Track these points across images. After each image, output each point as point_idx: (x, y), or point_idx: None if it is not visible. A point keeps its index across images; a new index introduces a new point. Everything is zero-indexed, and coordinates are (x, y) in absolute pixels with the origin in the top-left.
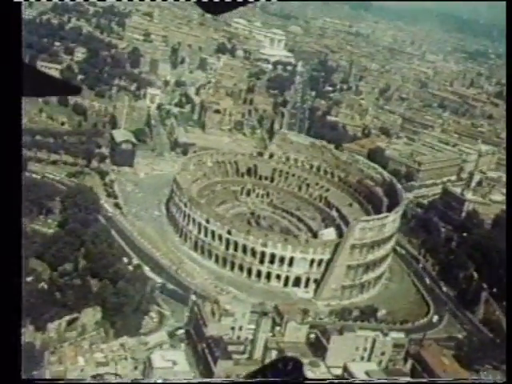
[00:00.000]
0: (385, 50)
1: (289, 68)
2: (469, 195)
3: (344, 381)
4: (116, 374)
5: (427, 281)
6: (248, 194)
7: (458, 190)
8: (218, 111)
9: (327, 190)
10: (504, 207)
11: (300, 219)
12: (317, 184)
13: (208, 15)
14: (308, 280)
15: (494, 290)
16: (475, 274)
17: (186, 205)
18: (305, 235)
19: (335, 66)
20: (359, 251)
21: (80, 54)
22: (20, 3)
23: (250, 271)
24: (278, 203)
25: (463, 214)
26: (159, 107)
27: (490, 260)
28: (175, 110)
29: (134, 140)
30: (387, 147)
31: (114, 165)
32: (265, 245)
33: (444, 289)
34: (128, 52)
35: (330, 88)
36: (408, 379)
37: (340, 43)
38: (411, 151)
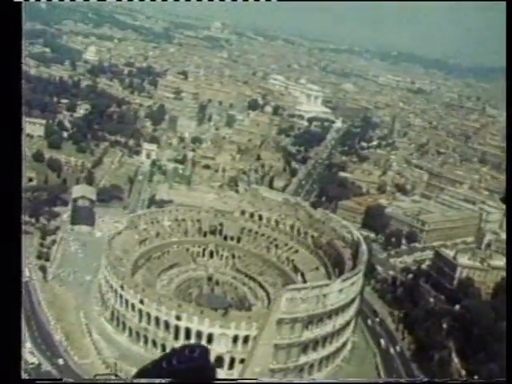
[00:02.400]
0: (441, 106)
1: (326, 124)
2: (463, 259)
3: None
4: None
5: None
6: (211, 255)
7: (450, 254)
8: (207, 166)
9: (296, 252)
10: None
11: (261, 285)
12: (286, 245)
13: (244, 71)
14: (233, 360)
15: (475, 377)
16: (454, 357)
17: (106, 269)
18: (261, 304)
19: (379, 122)
20: (290, 327)
21: (83, 110)
22: (20, 3)
23: (164, 348)
24: (241, 267)
25: (455, 282)
26: (154, 163)
27: (473, 340)
28: (171, 165)
29: (91, 196)
30: (389, 205)
31: (72, 223)
32: (178, 318)
33: (415, 373)
34: (147, 109)
35: (365, 144)
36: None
37: (392, 100)
38: (419, 209)
